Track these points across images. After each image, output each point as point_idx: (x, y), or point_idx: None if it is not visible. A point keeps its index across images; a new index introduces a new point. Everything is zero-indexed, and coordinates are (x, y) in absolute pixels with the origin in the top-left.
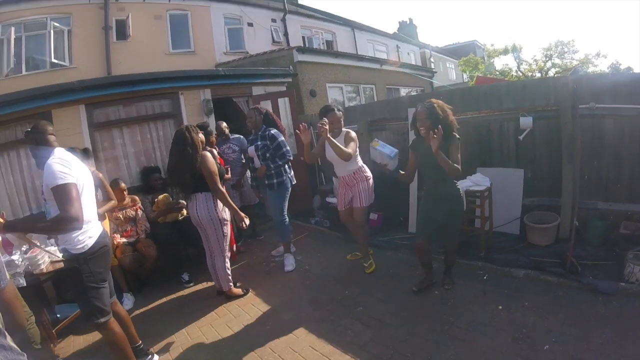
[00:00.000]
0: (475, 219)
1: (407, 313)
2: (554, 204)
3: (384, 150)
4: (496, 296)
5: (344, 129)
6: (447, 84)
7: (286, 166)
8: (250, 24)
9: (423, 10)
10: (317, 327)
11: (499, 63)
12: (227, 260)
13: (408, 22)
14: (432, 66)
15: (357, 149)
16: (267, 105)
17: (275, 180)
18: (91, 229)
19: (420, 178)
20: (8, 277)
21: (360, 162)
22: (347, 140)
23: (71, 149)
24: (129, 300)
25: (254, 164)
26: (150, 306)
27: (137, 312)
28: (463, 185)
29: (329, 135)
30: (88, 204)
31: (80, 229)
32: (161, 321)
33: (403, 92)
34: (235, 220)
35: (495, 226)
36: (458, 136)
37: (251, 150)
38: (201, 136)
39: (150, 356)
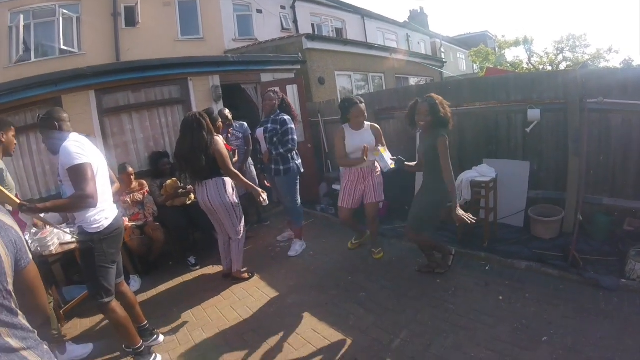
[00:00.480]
0: (480, 210)
1: (409, 300)
2: (559, 197)
3: (381, 162)
4: (498, 287)
5: (366, 122)
6: (457, 74)
7: (293, 153)
8: (259, 11)
9: None
10: (320, 311)
11: (510, 55)
12: (242, 242)
13: (419, 11)
14: (443, 56)
15: None
16: None
17: (281, 167)
18: (107, 210)
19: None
20: (30, 256)
21: None
22: (378, 135)
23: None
24: (135, 282)
25: (260, 147)
26: (157, 288)
27: (144, 293)
28: (468, 175)
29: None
30: (103, 186)
31: (95, 207)
32: (167, 303)
33: (412, 81)
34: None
35: (500, 218)
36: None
37: (259, 132)
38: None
39: (155, 336)
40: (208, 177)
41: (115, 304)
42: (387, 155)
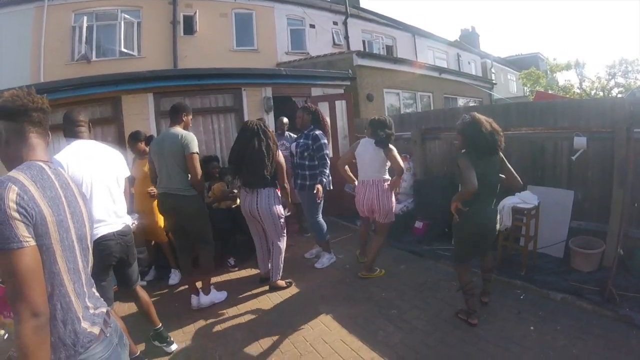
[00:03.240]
0: (521, 237)
1: (439, 321)
2: (601, 229)
3: None
4: (530, 316)
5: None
6: (506, 97)
7: (325, 170)
8: (312, 26)
9: (486, 18)
10: (350, 323)
11: (562, 78)
12: (283, 252)
13: (470, 30)
14: (493, 77)
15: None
16: (324, 107)
17: (307, 182)
18: (102, 223)
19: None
20: None
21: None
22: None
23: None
24: (175, 276)
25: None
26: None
27: (182, 288)
28: (510, 201)
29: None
30: (98, 199)
31: None
32: None
33: (461, 102)
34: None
35: (540, 247)
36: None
37: (293, 147)
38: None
39: (166, 344)
40: (263, 186)
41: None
42: None
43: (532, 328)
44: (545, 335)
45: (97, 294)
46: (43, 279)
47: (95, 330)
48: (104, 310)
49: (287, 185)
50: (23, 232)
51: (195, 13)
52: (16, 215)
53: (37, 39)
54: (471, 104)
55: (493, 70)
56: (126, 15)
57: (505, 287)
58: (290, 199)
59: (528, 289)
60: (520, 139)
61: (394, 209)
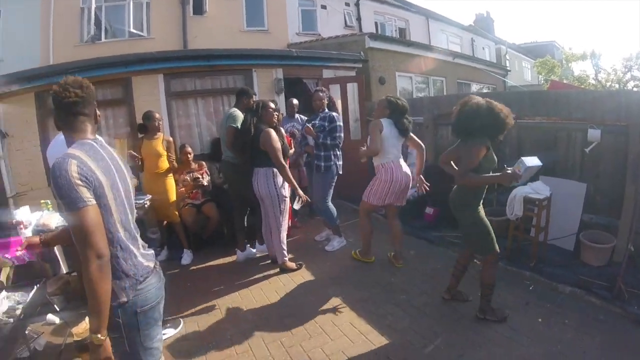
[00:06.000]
0: (531, 228)
1: (447, 309)
2: (613, 224)
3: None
4: (538, 308)
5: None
6: (520, 84)
7: (337, 152)
8: (323, 7)
9: (501, 3)
10: (359, 307)
11: (577, 68)
12: (283, 234)
13: (485, 15)
14: (507, 64)
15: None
16: (335, 89)
17: (322, 164)
18: None
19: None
20: None
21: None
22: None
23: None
24: (188, 256)
25: (307, 142)
26: (207, 264)
27: (194, 267)
28: (522, 191)
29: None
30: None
31: None
32: (215, 279)
33: (474, 88)
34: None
35: (550, 238)
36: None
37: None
38: (271, 112)
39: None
40: (259, 165)
41: None
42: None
43: (540, 320)
44: (553, 327)
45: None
46: (103, 229)
47: (150, 264)
48: (152, 251)
49: (285, 168)
50: (86, 194)
51: None
52: (79, 182)
53: (46, 21)
54: (484, 90)
55: (507, 57)
56: None
57: (514, 278)
58: (295, 182)
59: (537, 281)
60: (533, 128)
61: None
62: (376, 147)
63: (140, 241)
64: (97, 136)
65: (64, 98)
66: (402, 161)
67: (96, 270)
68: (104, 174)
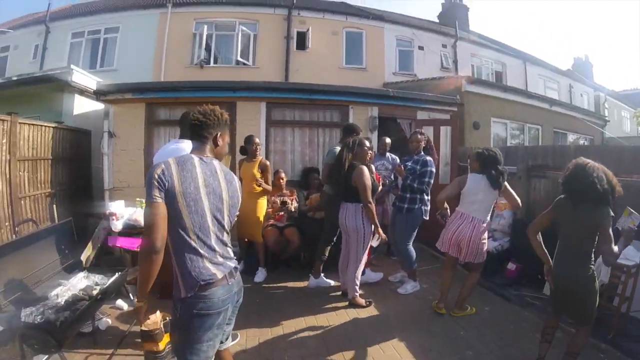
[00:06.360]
0: (615, 297)
1: None
2: None
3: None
4: None
5: None
6: (619, 136)
7: (425, 197)
8: (420, 48)
9: (601, 47)
10: (421, 354)
11: None
12: (360, 270)
13: (583, 59)
14: (606, 112)
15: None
16: (429, 131)
17: (405, 205)
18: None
19: None
20: None
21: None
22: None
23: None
24: (262, 274)
25: (397, 183)
26: (279, 285)
27: (266, 285)
28: None
29: None
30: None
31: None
32: (284, 300)
33: (571, 138)
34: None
35: (633, 310)
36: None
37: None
38: (366, 150)
39: None
40: (349, 200)
41: None
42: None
43: None
44: None
45: (231, 253)
46: (163, 226)
47: (218, 273)
48: (233, 265)
49: (371, 206)
50: (155, 193)
51: (308, 30)
52: (155, 182)
53: (161, 42)
54: (581, 142)
55: (606, 105)
56: (244, 28)
57: (590, 349)
58: (377, 221)
59: (612, 355)
60: (631, 187)
61: (484, 249)
62: (441, 197)
63: (219, 250)
64: (210, 155)
65: (191, 120)
66: (474, 217)
67: (145, 257)
68: (182, 183)
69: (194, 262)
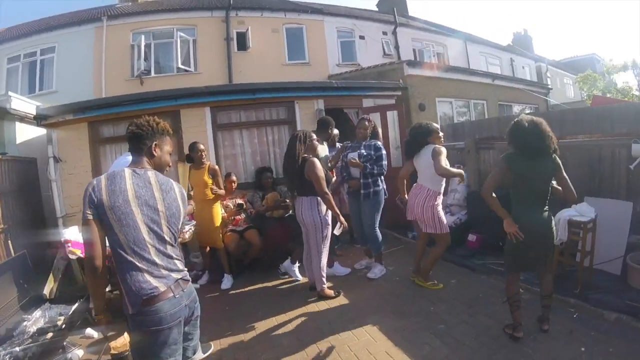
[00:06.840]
0: (576, 253)
1: (487, 339)
2: None
3: None
4: (582, 336)
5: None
6: (563, 102)
7: (381, 178)
8: (362, 37)
9: (539, 20)
10: (396, 335)
11: (619, 80)
12: (324, 261)
13: (523, 34)
14: (549, 82)
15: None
16: (375, 118)
17: (371, 189)
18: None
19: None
20: None
21: None
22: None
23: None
24: (228, 280)
25: (349, 173)
26: (246, 289)
27: (233, 291)
28: (566, 214)
29: None
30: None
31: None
32: (253, 303)
33: (516, 109)
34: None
35: (596, 263)
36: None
37: (352, 157)
38: (316, 144)
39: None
40: (303, 194)
41: None
42: None
43: (583, 349)
44: (597, 357)
45: (178, 264)
46: (98, 243)
47: (161, 286)
48: (178, 276)
49: (328, 196)
50: (87, 210)
51: (248, 29)
52: (86, 199)
53: (99, 57)
54: (527, 111)
55: (548, 75)
56: (182, 34)
57: (558, 305)
58: (338, 210)
59: (582, 308)
60: (576, 147)
61: (442, 220)
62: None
63: (162, 263)
64: (147, 167)
65: (127, 132)
66: (421, 188)
67: (87, 272)
68: (110, 197)
69: (134, 277)
